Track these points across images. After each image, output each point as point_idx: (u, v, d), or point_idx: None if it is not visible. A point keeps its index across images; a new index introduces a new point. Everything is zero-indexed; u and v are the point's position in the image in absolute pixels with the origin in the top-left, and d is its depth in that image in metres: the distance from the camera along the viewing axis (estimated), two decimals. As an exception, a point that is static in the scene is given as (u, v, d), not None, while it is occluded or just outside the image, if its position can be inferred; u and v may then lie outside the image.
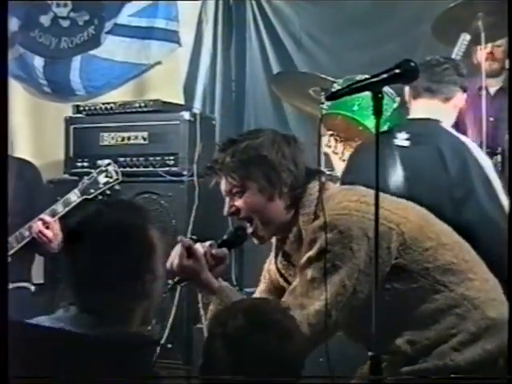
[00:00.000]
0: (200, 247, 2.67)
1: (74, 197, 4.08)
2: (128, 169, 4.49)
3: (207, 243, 2.70)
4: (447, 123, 3.48)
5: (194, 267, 2.61)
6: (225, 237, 2.80)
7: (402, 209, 2.64)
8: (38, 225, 3.96)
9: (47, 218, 3.97)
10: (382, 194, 2.63)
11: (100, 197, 4.11)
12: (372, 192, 2.37)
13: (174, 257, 2.62)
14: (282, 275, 2.83)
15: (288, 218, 2.68)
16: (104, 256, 1.93)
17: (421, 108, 3.51)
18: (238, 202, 2.71)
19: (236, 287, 4.52)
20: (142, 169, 4.56)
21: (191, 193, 4.42)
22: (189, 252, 2.63)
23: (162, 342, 4.28)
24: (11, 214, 3.89)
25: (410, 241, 2.55)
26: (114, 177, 4.12)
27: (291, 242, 2.69)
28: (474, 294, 2.59)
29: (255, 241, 2.74)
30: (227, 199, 2.74)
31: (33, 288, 4.14)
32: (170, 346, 4.29)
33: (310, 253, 2.53)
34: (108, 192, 4.14)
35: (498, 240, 2.87)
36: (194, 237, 2.77)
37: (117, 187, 4.14)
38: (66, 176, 4.72)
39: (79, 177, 4.45)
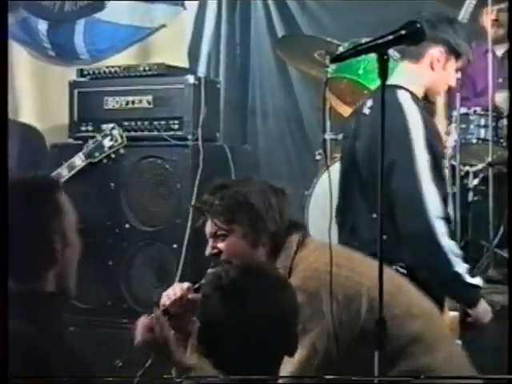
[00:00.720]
0: (178, 289, 2.65)
1: (79, 161, 4.08)
2: (132, 133, 4.46)
3: (185, 285, 2.67)
4: (419, 83, 3.25)
5: (157, 342, 2.46)
6: (203, 281, 2.66)
7: (374, 272, 2.65)
8: None
9: (52, 182, 3.97)
10: (355, 254, 2.71)
11: (105, 161, 4.12)
12: (346, 253, 2.48)
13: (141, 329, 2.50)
14: None
15: None
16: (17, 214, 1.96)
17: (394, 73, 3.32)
18: (221, 245, 2.74)
19: None
20: (146, 133, 4.54)
21: (196, 157, 4.42)
22: (151, 326, 2.48)
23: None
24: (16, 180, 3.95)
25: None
26: (119, 140, 4.12)
27: None
28: (439, 365, 2.56)
29: None
30: (210, 241, 2.77)
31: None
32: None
33: None
34: (113, 156, 4.14)
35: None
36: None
37: (121, 151, 4.15)
38: (71, 140, 4.70)
39: (83, 141, 4.46)
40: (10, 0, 1.79)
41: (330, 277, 2.47)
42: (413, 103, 3.14)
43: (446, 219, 3.05)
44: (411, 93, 3.19)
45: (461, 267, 3.04)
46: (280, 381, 2.24)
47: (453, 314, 3.13)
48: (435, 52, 3.20)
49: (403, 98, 3.15)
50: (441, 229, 3.02)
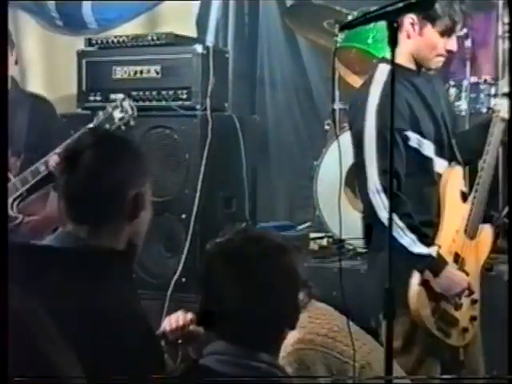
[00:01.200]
0: (181, 318, 2.56)
1: (89, 131, 4.10)
2: (141, 103, 4.42)
3: (189, 316, 2.56)
4: (401, 53, 3.17)
5: None
6: None
7: (365, 347, 2.65)
8: (54, 159, 3.90)
9: (63, 154, 3.99)
10: (352, 326, 2.64)
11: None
12: (344, 325, 2.49)
13: None
14: None
15: None
16: (95, 175, 1.98)
17: None
18: None
19: (249, 222, 4.57)
20: (154, 103, 4.53)
21: (204, 127, 4.41)
22: None
23: (176, 276, 4.32)
24: (26, 149, 3.96)
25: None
26: (129, 112, 4.11)
27: None
28: None
29: None
30: None
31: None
32: (183, 280, 4.32)
33: None
34: (123, 127, 4.14)
35: None
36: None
37: (132, 123, 4.14)
38: (79, 110, 4.71)
39: (92, 111, 4.47)
40: (10, 0, 1.78)
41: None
42: (386, 74, 3.14)
43: (388, 192, 3.00)
44: (397, 65, 3.12)
45: (405, 239, 3.03)
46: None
47: (415, 287, 3.11)
48: (406, 20, 3.16)
49: (380, 70, 3.18)
50: (377, 202, 3.04)
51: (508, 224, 3.07)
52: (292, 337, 2.57)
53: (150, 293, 4.07)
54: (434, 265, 3.10)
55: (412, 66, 3.27)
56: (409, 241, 3.05)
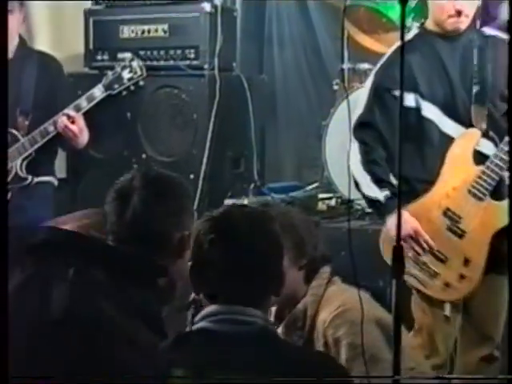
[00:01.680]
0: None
1: (98, 92, 4.08)
2: (148, 62, 4.40)
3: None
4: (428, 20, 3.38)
5: None
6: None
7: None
8: (63, 120, 3.94)
9: (72, 113, 3.96)
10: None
11: (124, 92, 4.12)
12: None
13: None
14: None
15: (299, 290, 2.78)
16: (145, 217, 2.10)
17: None
18: None
19: (257, 182, 4.60)
20: (162, 62, 4.52)
21: (212, 87, 4.40)
22: None
23: None
24: (34, 108, 3.96)
25: None
26: (138, 72, 4.12)
27: (295, 317, 2.76)
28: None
29: None
30: None
31: (56, 182, 4.19)
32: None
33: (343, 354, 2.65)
34: (132, 88, 4.15)
35: None
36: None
37: (141, 83, 4.14)
38: (87, 69, 4.71)
39: (99, 70, 4.50)
40: (10, 0, 1.79)
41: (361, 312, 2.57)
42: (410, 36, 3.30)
43: (363, 143, 3.27)
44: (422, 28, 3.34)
45: (360, 180, 3.25)
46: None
47: (383, 232, 3.30)
48: None
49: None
50: (351, 151, 3.28)
51: (508, 224, 2.99)
52: (335, 297, 2.71)
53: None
54: (381, 209, 3.24)
55: (437, 30, 3.33)
56: (363, 181, 3.25)
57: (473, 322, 3.33)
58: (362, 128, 3.30)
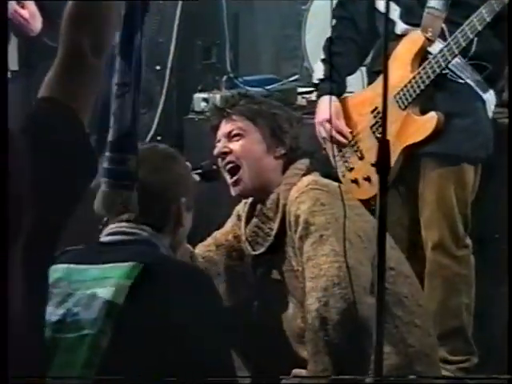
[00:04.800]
0: None
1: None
2: None
3: None
4: None
5: None
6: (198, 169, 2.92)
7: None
8: (12, 4, 3.85)
9: (21, -3, 3.91)
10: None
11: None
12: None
13: None
14: (249, 243, 2.95)
15: (273, 180, 2.85)
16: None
17: None
18: (234, 145, 2.87)
19: (231, 74, 4.52)
20: None
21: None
22: None
23: (151, 133, 4.31)
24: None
25: None
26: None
27: (267, 208, 2.85)
28: (412, 342, 2.74)
29: (233, 191, 2.89)
30: (222, 141, 2.89)
31: (9, 74, 4.05)
32: (159, 138, 4.29)
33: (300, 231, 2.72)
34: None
35: None
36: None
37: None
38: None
39: None
40: (10, 0, 1.77)
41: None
42: None
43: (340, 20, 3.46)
44: None
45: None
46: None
47: None
48: None
49: None
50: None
51: (508, 223, 3.06)
52: (306, 179, 2.79)
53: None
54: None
55: None
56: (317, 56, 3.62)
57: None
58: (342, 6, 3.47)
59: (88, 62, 1.83)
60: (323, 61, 3.47)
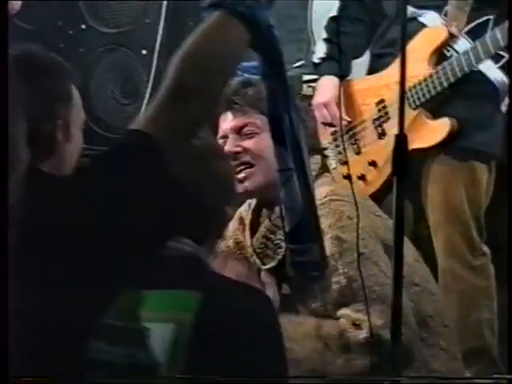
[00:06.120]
0: None
1: None
2: None
3: None
4: None
5: None
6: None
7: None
8: None
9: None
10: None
11: None
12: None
13: None
14: (257, 255, 2.83)
15: None
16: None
17: None
18: (248, 143, 2.70)
19: None
20: None
21: None
22: None
23: None
24: None
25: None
26: None
27: (276, 214, 2.71)
28: (437, 367, 2.62)
29: (240, 187, 2.70)
30: (231, 137, 2.71)
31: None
32: (146, 131, 4.10)
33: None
34: None
35: None
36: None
37: None
38: None
39: None
40: (10, 0, 1.87)
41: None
42: None
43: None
44: None
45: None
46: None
47: None
48: None
49: None
50: None
51: (507, 223, 2.95)
52: (323, 190, 2.64)
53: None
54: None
55: None
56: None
57: None
58: None
59: (193, 105, 1.80)
60: (326, 40, 3.41)
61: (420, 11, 3.23)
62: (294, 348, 2.54)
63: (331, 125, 3.31)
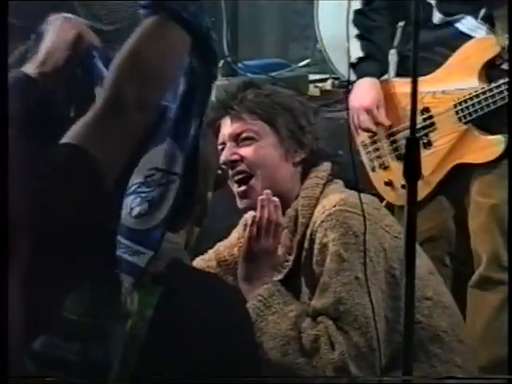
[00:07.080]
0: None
1: None
2: None
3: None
4: None
5: None
6: None
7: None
8: None
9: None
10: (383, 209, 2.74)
11: None
12: (376, 202, 2.61)
13: None
14: None
15: (291, 191, 2.66)
16: None
17: None
18: (245, 151, 2.63)
19: (228, 58, 4.47)
20: None
21: None
22: None
23: None
24: None
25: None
26: None
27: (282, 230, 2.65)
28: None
29: (241, 203, 2.66)
30: (229, 144, 2.64)
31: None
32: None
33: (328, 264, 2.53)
34: None
35: None
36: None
37: None
38: None
39: None
40: (10, 0, 1.86)
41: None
42: None
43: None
44: None
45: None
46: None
47: None
48: None
49: None
50: None
51: (507, 222, 3.00)
52: (333, 198, 2.57)
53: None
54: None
55: None
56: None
57: None
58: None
59: (129, 117, 1.79)
60: (360, 37, 3.30)
61: (456, 17, 3.19)
62: (269, 319, 2.50)
63: (369, 130, 3.26)
